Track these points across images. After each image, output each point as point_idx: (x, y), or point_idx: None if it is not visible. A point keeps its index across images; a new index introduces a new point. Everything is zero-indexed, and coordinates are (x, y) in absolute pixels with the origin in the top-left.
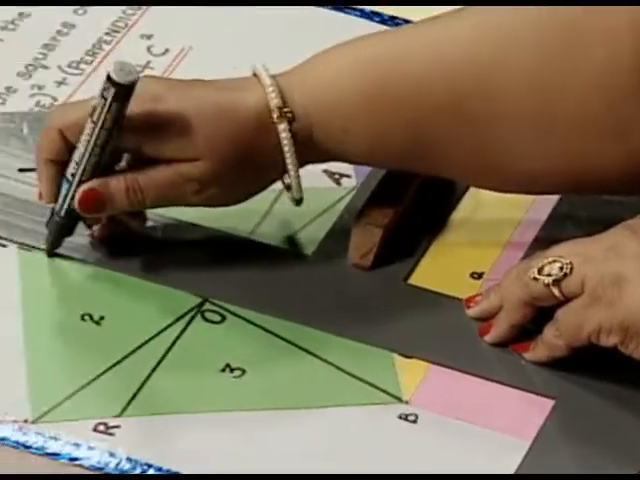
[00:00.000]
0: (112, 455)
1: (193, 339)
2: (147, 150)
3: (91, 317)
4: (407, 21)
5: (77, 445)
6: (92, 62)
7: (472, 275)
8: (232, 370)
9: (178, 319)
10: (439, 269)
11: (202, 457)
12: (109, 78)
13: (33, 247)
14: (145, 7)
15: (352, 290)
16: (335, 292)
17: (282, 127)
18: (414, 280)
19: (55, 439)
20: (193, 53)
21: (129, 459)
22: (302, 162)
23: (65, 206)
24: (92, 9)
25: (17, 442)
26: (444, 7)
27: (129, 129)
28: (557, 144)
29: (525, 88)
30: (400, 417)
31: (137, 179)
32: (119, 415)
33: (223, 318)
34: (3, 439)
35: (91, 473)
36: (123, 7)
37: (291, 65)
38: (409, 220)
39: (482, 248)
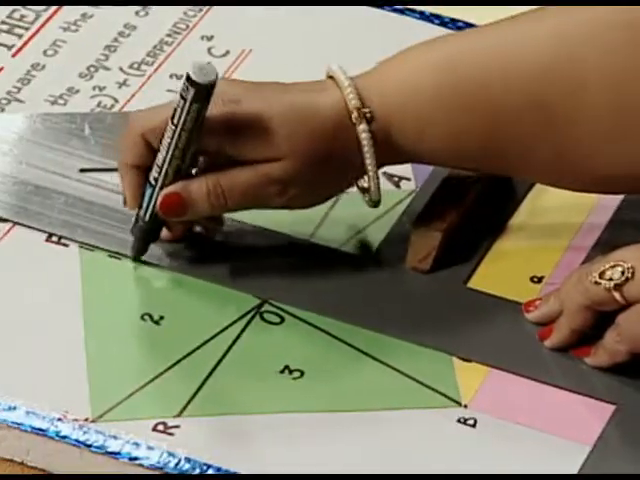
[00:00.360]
0: (171, 455)
1: (252, 340)
2: (228, 152)
3: (151, 317)
4: (468, 24)
5: (137, 444)
6: (153, 63)
7: (532, 279)
8: (291, 372)
9: (237, 320)
10: (499, 273)
11: (260, 458)
12: (188, 79)
13: (94, 247)
14: (206, 8)
15: (411, 293)
16: (394, 295)
17: (361, 128)
18: (473, 284)
19: (115, 438)
20: (253, 55)
21: (188, 459)
22: (380, 163)
23: (149, 211)
24: (153, 11)
25: (78, 440)
26: (503, 7)
27: (209, 131)
28: (636, 143)
29: (604, 86)
30: (459, 421)
31: (219, 182)
32: (178, 415)
33: (282, 319)
34: (64, 437)
35: (150, 473)
36: (184, 8)
37: (350, 66)
38: (469, 223)
39: (542, 252)
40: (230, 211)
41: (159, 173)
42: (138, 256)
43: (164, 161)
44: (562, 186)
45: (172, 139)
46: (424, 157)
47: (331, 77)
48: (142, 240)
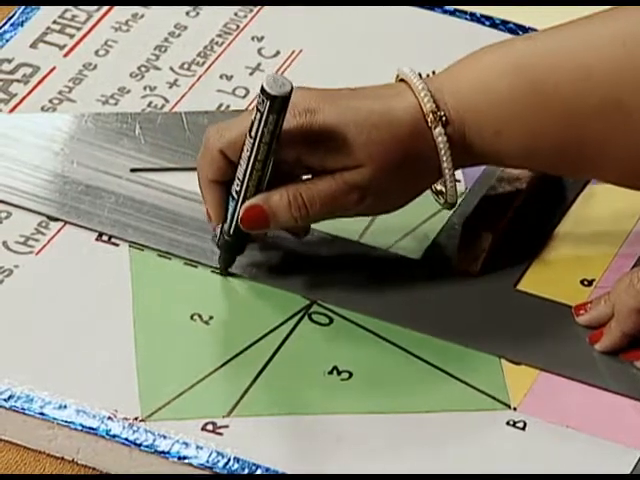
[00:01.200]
0: (220, 455)
1: (301, 341)
2: (307, 162)
3: (200, 317)
4: (519, 25)
5: (186, 444)
6: (203, 64)
7: (582, 282)
8: (339, 373)
9: (286, 320)
10: (549, 276)
11: (309, 459)
12: (263, 91)
13: (144, 246)
14: (257, 9)
15: (461, 295)
16: (443, 297)
17: (437, 131)
18: (523, 286)
19: (164, 437)
20: (304, 55)
21: (237, 459)
22: (456, 166)
23: (233, 225)
24: (204, 11)
25: (127, 439)
26: (552, 7)
27: (287, 142)
28: None
29: None
30: (508, 423)
31: (300, 193)
32: (227, 415)
33: (331, 320)
34: (114, 436)
35: (200, 472)
36: (235, 9)
37: (400, 67)
38: (518, 226)
39: (593, 255)
40: (311, 221)
41: (240, 186)
42: (225, 270)
43: (245, 174)
44: None
45: (251, 152)
46: (499, 158)
47: (402, 80)
48: (228, 253)
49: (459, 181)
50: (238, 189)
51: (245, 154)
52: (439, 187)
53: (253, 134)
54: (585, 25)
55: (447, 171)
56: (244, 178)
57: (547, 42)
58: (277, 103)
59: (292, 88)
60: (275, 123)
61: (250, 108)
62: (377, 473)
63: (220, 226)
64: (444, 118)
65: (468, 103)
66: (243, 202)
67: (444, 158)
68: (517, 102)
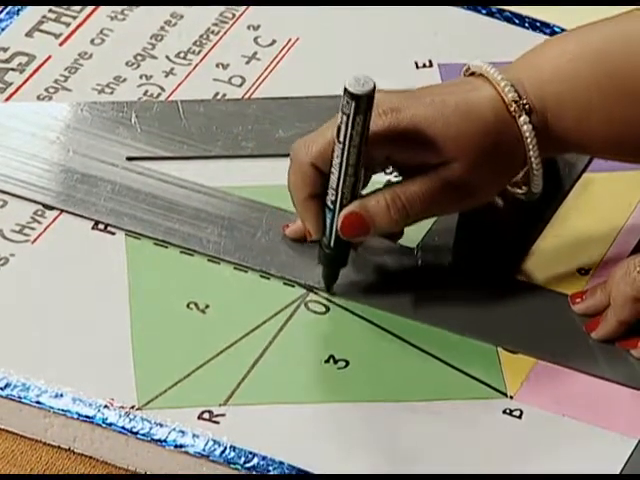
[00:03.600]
0: (217, 443)
1: (297, 329)
2: (397, 161)
3: (196, 305)
4: (515, 14)
5: (182, 432)
6: (199, 52)
7: (579, 271)
8: (336, 361)
9: (282, 309)
10: (546, 265)
11: (305, 447)
12: (347, 92)
13: (141, 235)
14: None
15: (458, 285)
16: (441, 286)
17: (522, 119)
18: (520, 275)
19: (161, 426)
20: (300, 44)
21: (233, 447)
22: (541, 154)
23: (333, 236)
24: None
25: (124, 428)
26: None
27: (375, 143)
28: None
29: None
30: (505, 412)
31: (398, 195)
32: (224, 404)
33: (327, 309)
34: (110, 424)
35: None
36: None
37: (398, 57)
38: (516, 215)
39: (590, 244)
40: (409, 223)
41: (335, 195)
42: (330, 284)
43: (338, 182)
44: None
45: (342, 157)
46: (582, 147)
47: (471, 74)
48: (331, 267)
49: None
50: (333, 198)
51: (336, 161)
52: (518, 178)
53: (342, 139)
54: None
55: (533, 159)
56: (338, 186)
57: (623, 28)
58: (363, 102)
59: (375, 86)
60: (363, 124)
61: (246, 97)
62: (372, 464)
63: (319, 241)
64: (527, 106)
65: (549, 91)
66: (340, 211)
67: (530, 147)
68: (599, 89)
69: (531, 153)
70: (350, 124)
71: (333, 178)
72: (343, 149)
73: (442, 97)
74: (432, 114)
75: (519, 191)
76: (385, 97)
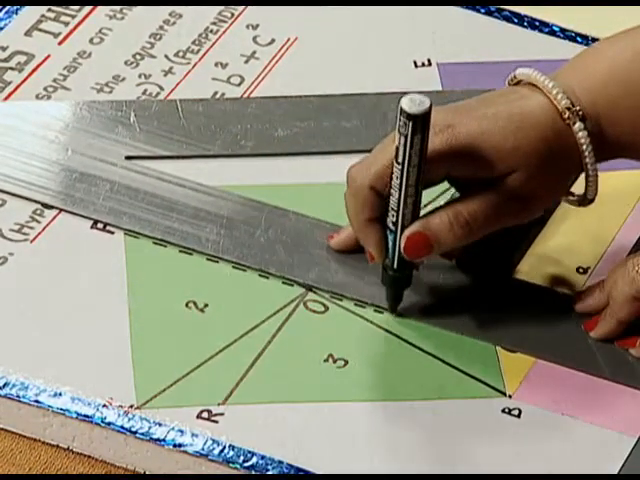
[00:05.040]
0: (216, 442)
1: (296, 328)
2: (457, 177)
3: (195, 304)
4: (514, 13)
5: (181, 432)
6: (198, 51)
7: (578, 270)
8: (335, 360)
9: (281, 308)
10: (544, 263)
11: (304, 446)
12: (404, 113)
13: (139, 234)
14: None
15: (457, 284)
16: (441, 286)
17: (577, 126)
18: (519, 274)
19: (160, 425)
20: (299, 43)
21: (232, 446)
22: (597, 161)
23: (396, 258)
24: None
25: (122, 427)
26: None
27: (434, 161)
28: None
29: None
30: (503, 411)
31: (459, 211)
32: (223, 403)
33: (326, 308)
34: (109, 424)
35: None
36: None
37: (396, 59)
38: None
39: (588, 243)
40: (473, 239)
41: (397, 216)
42: (395, 306)
43: (399, 203)
44: None
45: (402, 178)
46: (638, 152)
47: (517, 83)
48: (396, 289)
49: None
50: (395, 220)
51: (395, 182)
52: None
53: (400, 159)
54: None
55: (589, 166)
56: (399, 207)
57: None
58: (420, 122)
59: (431, 104)
60: (421, 143)
61: (245, 96)
62: (371, 463)
63: (382, 263)
64: (581, 113)
65: (602, 96)
66: (402, 232)
67: (586, 153)
68: None
69: (587, 160)
70: (408, 144)
71: (393, 199)
72: (402, 170)
73: (494, 109)
74: (488, 127)
75: (571, 198)
76: (437, 115)
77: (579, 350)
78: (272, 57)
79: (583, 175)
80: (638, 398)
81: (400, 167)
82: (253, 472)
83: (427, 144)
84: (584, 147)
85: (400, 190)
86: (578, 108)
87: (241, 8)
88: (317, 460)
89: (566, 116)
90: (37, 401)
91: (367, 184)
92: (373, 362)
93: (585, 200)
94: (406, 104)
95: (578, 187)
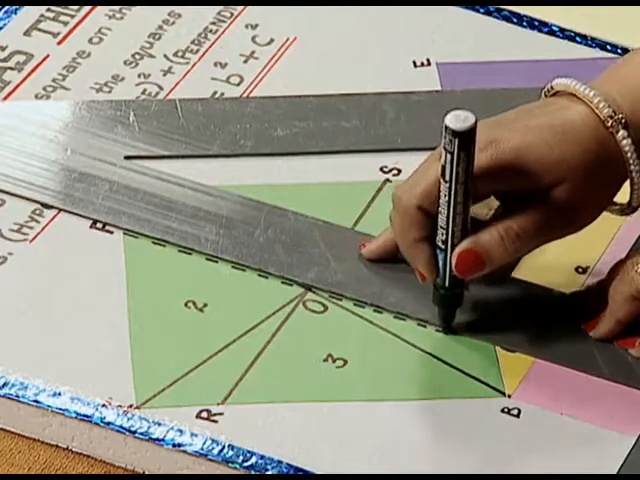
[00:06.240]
0: (215, 442)
1: (295, 328)
2: (505, 191)
3: (194, 304)
4: (513, 12)
5: (181, 431)
6: (197, 51)
7: (577, 269)
8: (334, 360)
9: (280, 308)
10: (544, 263)
11: (303, 446)
12: (449, 130)
13: (139, 234)
14: None
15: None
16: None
17: (621, 134)
18: (518, 273)
19: (159, 425)
20: (298, 43)
21: (231, 446)
22: None
23: (447, 276)
24: None
25: (122, 427)
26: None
27: (481, 177)
28: None
29: None
30: (503, 411)
31: (509, 226)
32: (222, 402)
33: (325, 308)
34: (108, 423)
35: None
36: None
37: (395, 59)
38: None
39: (588, 242)
40: (523, 253)
41: (446, 234)
42: (447, 325)
43: (448, 221)
44: None
45: (450, 196)
46: None
47: (554, 94)
48: (448, 308)
49: None
50: (444, 238)
51: (444, 200)
52: None
53: (447, 177)
54: None
55: (635, 173)
56: (448, 225)
57: None
58: (465, 138)
59: (476, 119)
60: (467, 160)
61: (244, 96)
62: (370, 463)
63: (433, 283)
64: (623, 120)
65: None
66: (452, 250)
67: (631, 160)
68: None
69: (632, 167)
70: (455, 161)
71: (442, 217)
72: (450, 187)
73: (535, 121)
74: (532, 140)
75: (614, 207)
76: (479, 130)
77: (578, 350)
78: (271, 57)
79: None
80: (637, 398)
81: (447, 185)
82: (252, 472)
83: (473, 160)
84: (628, 155)
85: (448, 208)
86: (620, 116)
87: (240, 8)
88: (316, 460)
89: (609, 124)
90: (36, 401)
91: (415, 204)
92: (372, 362)
93: (629, 208)
94: (451, 121)
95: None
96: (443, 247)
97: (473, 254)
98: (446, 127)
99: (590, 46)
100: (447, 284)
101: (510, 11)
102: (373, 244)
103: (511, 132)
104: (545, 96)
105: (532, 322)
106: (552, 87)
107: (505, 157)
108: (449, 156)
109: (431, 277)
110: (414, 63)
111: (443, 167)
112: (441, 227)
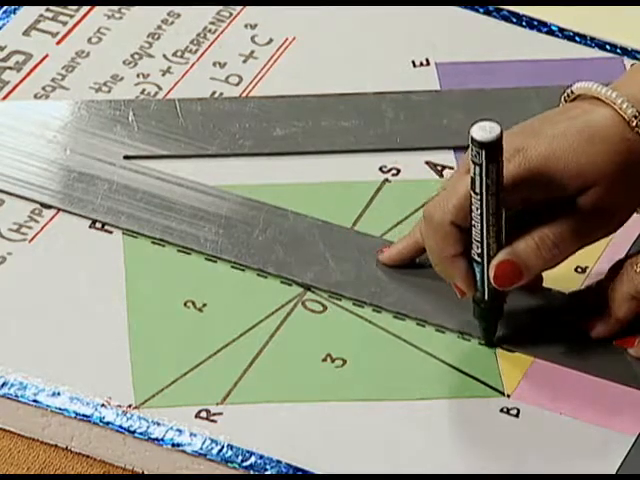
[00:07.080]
0: (214, 442)
1: (294, 328)
2: (536, 199)
3: (194, 304)
4: (512, 12)
5: (180, 431)
6: (196, 51)
7: (576, 269)
8: (333, 360)
9: (279, 308)
10: None
11: (303, 446)
12: (475, 142)
13: (138, 234)
14: None
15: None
16: (437, 286)
17: None
18: None
19: (158, 424)
20: (297, 43)
21: (231, 446)
22: None
23: (486, 289)
24: None
25: (121, 427)
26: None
27: (512, 187)
28: None
29: None
30: (502, 411)
31: (545, 234)
32: (221, 402)
33: (324, 308)
34: (108, 423)
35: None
36: None
37: (394, 59)
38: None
39: None
40: (559, 261)
41: (481, 247)
42: (490, 338)
43: (482, 233)
44: None
45: (482, 208)
46: None
47: (574, 99)
48: (489, 321)
49: (452, 168)
50: (480, 251)
51: (476, 213)
52: None
53: (478, 189)
54: None
55: None
56: (482, 237)
57: None
58: (492, 148)
59: (501, 130)
60: (496, 171)
61: (243, 96)
62: (370, 463)
63: (472, 297)
64: None
65: None
66: (489, 262)
67: None
68: None
69: None
70: (484, 173)
71: (476, 231)
72: (481, 200)
73: (560, 127)
74: (559, 146)
75: None
76: (505, 140)
77: (577, 349)
78: (270, 57)
79: None
80: (636, 398)
81: (479, 197)
82: (251, 472)
83: (502, 170)
84: None
85: (482, 220)
86: None
87: (239, 8)
88: (315, 460)
89: (634, 124)
90: (35, 401)
91: (448, 219)
92: (371, 361)
93: None
94: (476, 133)
95: None
96: (479, 260)
97: (511, 265)
98: (472, 139)
99: (589, 46)
100: (487, 297)
101: (509, 11)
102: (392, 251)
103: (537, 140)
104: (565, 101)
105: (531, 322)
106: (572, 92)
107: (533, 165)
108: (478, 168)
109: (470, 291)
110: (413, 63)
111: (472, 179)
112: (476, 240)
